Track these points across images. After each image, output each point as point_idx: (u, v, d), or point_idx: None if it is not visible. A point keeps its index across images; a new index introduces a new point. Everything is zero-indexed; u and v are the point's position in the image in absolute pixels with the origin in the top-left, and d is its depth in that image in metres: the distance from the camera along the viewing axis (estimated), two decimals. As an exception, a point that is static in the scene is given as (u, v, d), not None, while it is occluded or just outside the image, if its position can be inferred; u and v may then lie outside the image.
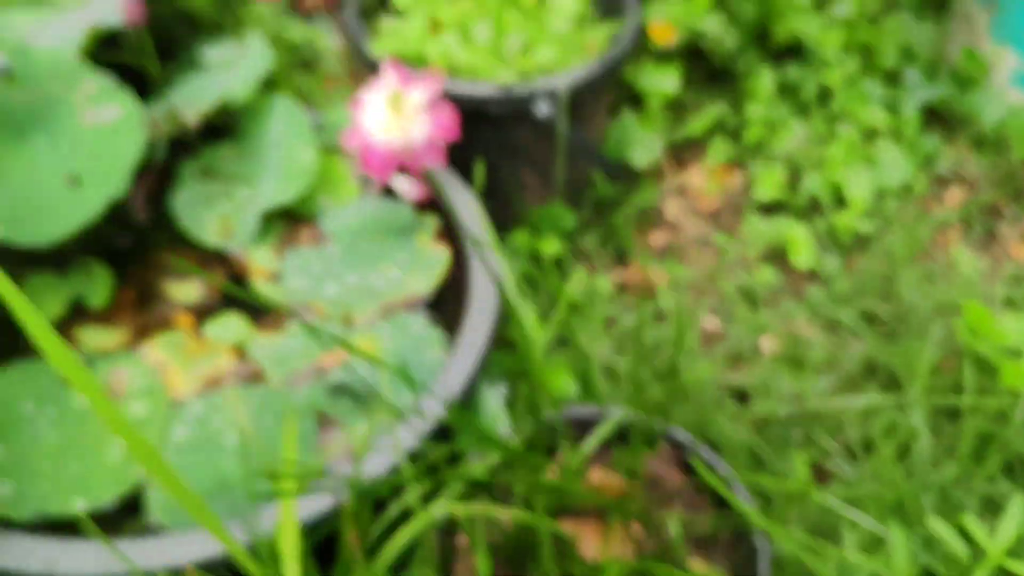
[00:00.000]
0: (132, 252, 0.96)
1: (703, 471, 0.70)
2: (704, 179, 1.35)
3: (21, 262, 0.91)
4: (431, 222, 0.98)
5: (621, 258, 1.25)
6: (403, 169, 0.94)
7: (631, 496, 0.74)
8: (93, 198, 0.83)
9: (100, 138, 0.85)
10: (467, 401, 0.82)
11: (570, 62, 1.07)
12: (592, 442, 0.75)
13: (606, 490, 0.75)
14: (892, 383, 1.08)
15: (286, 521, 0.63)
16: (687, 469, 0.80)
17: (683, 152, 1.39)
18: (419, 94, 0.91)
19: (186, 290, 0.92)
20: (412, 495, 0.69)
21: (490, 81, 1.05)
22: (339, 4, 1.51)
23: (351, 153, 1.02)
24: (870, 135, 1.33)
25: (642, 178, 1.32)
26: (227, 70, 1.02)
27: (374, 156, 0.91)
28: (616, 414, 0.77)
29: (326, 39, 1.39)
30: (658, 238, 1.29)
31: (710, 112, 1.36)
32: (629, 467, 0.75)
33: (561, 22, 1.08)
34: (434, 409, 0.78)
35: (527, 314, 1.02)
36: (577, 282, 1.15)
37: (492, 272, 0.90)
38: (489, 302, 0.86)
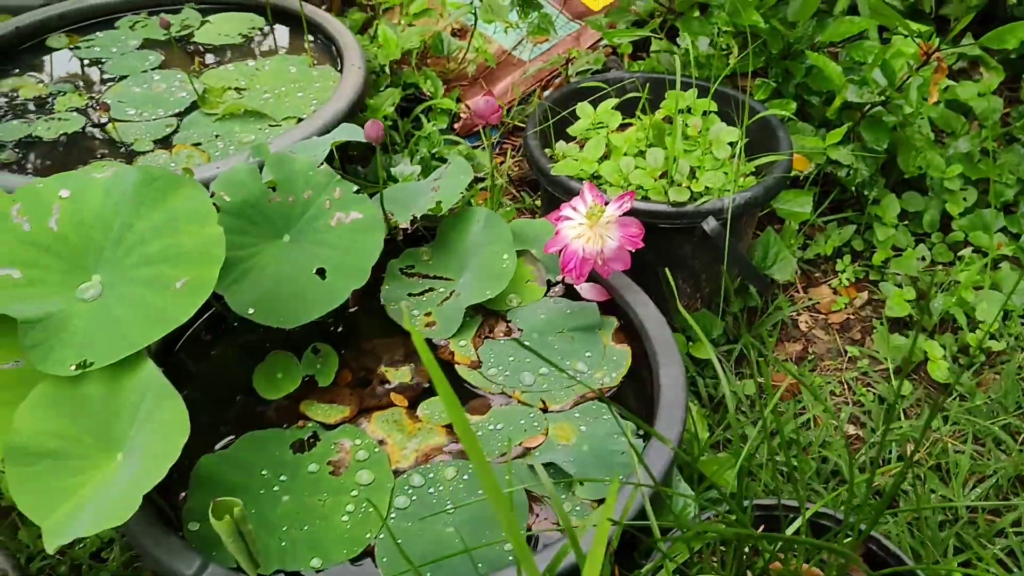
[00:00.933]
0: (346, 338, 1.07)
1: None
2: (833, 295, 1.44)
3: (263, 341, 1.04)
4: (612, 321, 1.08)
5: (762, 364, 1.33)
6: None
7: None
8: (340, 289, 0.95)
9: (346, 237, 0.98)
10: (665, 486, 0.90)
11: (731, 186, 1.19)
12: (790, 531, 0.82)
13: None
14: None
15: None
16: (869, 560, 0.86)
17: (813, 268, 1.49)
18: (613, 210, 1.03)
19: (399, 374, 1.03)
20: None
21: (661, 199, 1.17)
22: (497, 124, 1.67)
23: (541, 257, 1.14)
24: (993, 260, 1.42)
25: (778, 291, 1.42)
26: (430, 182, 1.16)
27: (573, 261, 1.02)
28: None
29: (485, 156, 1.54)
30: (794, 347, 1.37)
31: (839, 233, 1.47)
32: (817, 559, 0.82)
33: (722, 151, 1.20)
34: (640, 490, 0.86)
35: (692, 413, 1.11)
36: (728, 385, 1.24)
37: (678, 372, 0.99)
38: (678, 398, 0.95)
